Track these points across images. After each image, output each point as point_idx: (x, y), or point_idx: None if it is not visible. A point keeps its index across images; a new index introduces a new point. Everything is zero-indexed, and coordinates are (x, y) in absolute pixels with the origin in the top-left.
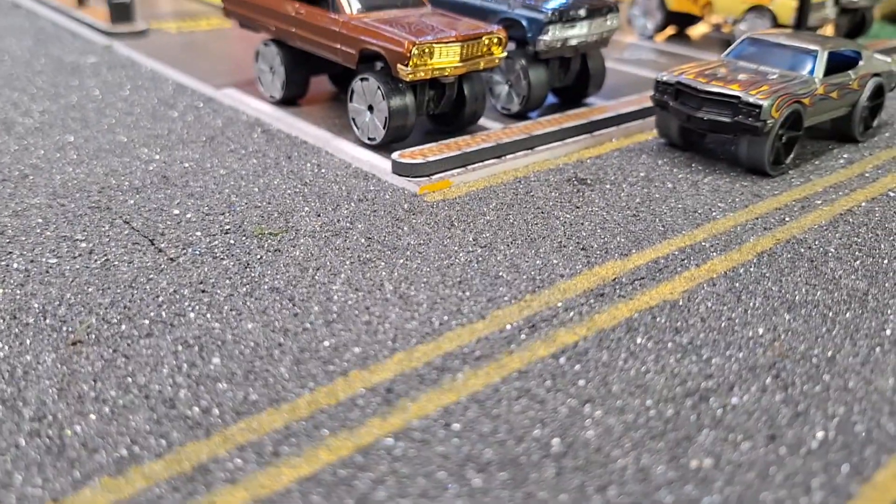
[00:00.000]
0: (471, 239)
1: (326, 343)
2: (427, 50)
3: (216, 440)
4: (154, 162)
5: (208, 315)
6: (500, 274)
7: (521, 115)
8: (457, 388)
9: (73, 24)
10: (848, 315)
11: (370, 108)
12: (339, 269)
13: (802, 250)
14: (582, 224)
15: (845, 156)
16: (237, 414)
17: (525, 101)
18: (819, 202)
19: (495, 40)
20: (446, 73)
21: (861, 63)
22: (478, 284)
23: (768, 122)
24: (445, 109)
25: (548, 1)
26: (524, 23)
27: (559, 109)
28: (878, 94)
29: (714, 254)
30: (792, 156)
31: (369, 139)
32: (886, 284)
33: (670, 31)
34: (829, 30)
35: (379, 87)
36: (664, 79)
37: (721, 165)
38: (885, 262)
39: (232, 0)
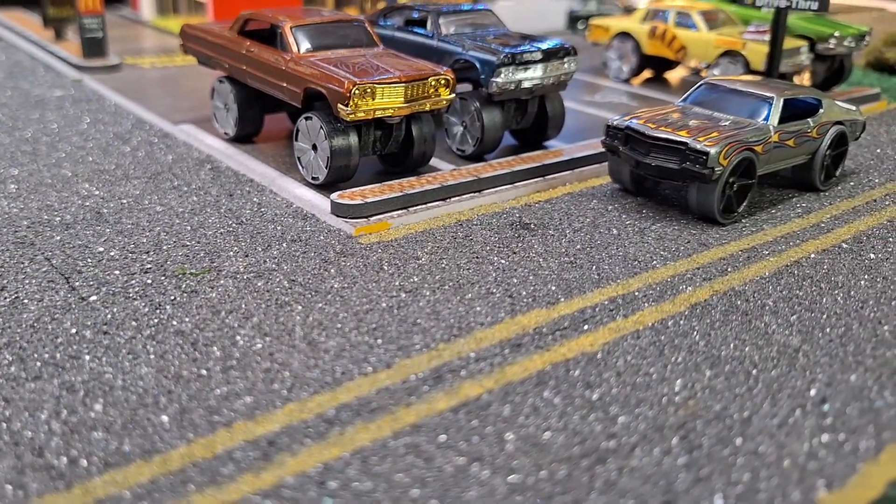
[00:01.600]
0: (397, 283)
1: (218, 391)
2: (368, 90)
3: (76, 493)
4: (92, 197)
5: (104, 359)
6: (419, 321)
7: (476, 157)
8: (343, 442)
9: (48, 58)
10: (774, 373)
11: (314, 147)
12: (252, 313)
13: (739, 303)
14: (515, 270)
15: (804, 205)
16: (105, 465)
17: (479, 143)
18: (766, 253)
19: (442, 81)
20: (390, 114)
21: (821, 111)
22: (393, 332)
23: (716, 169)
24: (394, 150)
25: (505, 43)
26: (477, 65)
27: (517, 151)
28: (841, 142)
29: (645, 304)
30: (745, 204)
31: (313, 178)
32: (821, 341)
33: (647, 74)
34: (805, 77)
35: (321, 127)
36: (614, 123)
37: (673, 212)
38: (824, 317)
39: (188, 37)
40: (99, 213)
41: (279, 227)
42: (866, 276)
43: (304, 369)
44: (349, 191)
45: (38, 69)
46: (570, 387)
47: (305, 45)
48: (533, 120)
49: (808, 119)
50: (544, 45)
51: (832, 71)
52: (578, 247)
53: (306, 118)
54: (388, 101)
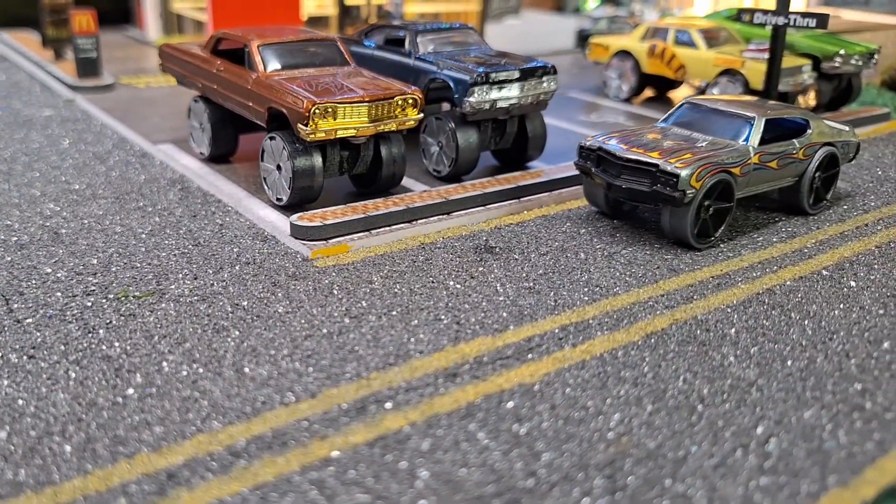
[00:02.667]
0: (344, 308)
1: (130, 420)
2: (329, 110)
3: None
4: (55, 217)
5: (22, 384)
6: (357, 348)
7: (452, 178)
8: (246, 476)
9: (46, 78)
10: (721, 409)
11: (278, 167)
12: (186, 338)
13: (698, 332)
14: (469, 296)
15: (789, 229)
16: None
17: (454, 164)
18: (739, 279)
19: (410, 101)
20: (353, 135)
21: (809, 132)
22: (327, 359)
23: (687, 192)
24: (362, 171)
25: (481, 62)
26: (451, 84)
27: (498, 172)
28: (832, 164)
29: (598, 333)
30: (722, 228)
31: (277, 199)
32: (779, 375)
33: (649, 93)
34: (810, 96)
35: (284, 147)
36: (587, 144)
37: (647, 236)
38: (787, 349)
39: (167, 57)
40: (57, 233)
41: (236, 249)
42: (842, 306)
43: (225, 398)
44: (310, 212)
45: (34, 89)
46: (499, 420)
47: (273, 63)
48: (513, 140)
49: (794, 140)
50: (522, 65)
51: (840, 90)
52: (541, 272)
53: (270, 138)
54: (351, 121)
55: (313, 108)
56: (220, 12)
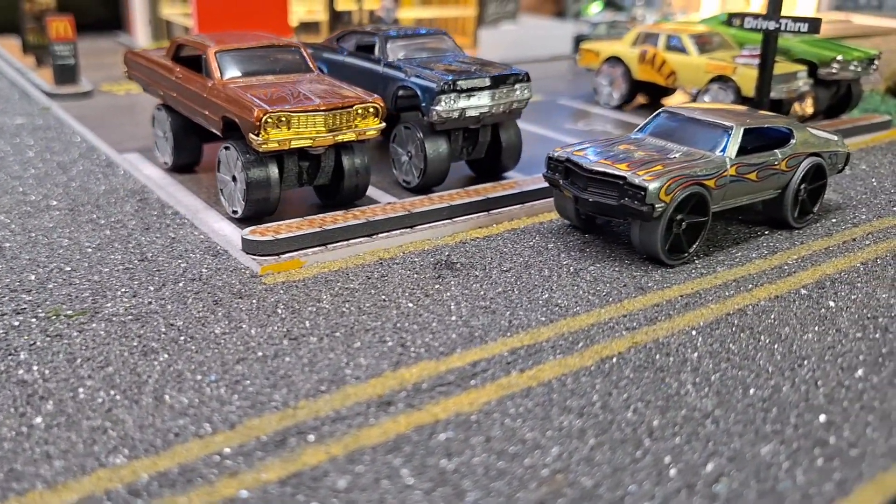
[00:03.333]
0: (285, 330)
1: (31, 452)
2: (283, 119)
3: None
4: (2, 230)
5: None
6: (290, 373)
7: (423, 189)
8: None
9: (27, 85)
10: (670, 443)
11: (234, 178)
12: (110, 361)
13: (657, 357)
14: (420, 316)
15: (771, 244)
16: None
17: (423, 175)
18: (710, 298)
19: (371, 110)
20: (311, 145)
21: (793, 141)
22: (256, 385)
23: (656, 206)
24: (324, 182)
25: (451, 70)
26: (418, 92)
27: (474, 183)
28: (818, 175)
29: (550, 357)
30: (697, 243)
31: (233, 212)
32: (739, 405)
33: (641, 100)
34: (807, 104)
35: (239, 157)
36: (555, 155)
37: (619, 252)
38: (752, 376)
39: (130, 63)
40: (1, 247)
41: (183, 265)
42: (817, 328)
43: (137, 429)
44: (263, 226)
45: (13, 96)
46: (427, 454)
47: (230, 71)
48: (486, 150)
49: (776, 150)
50: (494, 72)
51: (839, 97)
52: (500, 289)
53: (225, 148)
54: (307, 130)
55: (265, 118)
56: (206, 18)
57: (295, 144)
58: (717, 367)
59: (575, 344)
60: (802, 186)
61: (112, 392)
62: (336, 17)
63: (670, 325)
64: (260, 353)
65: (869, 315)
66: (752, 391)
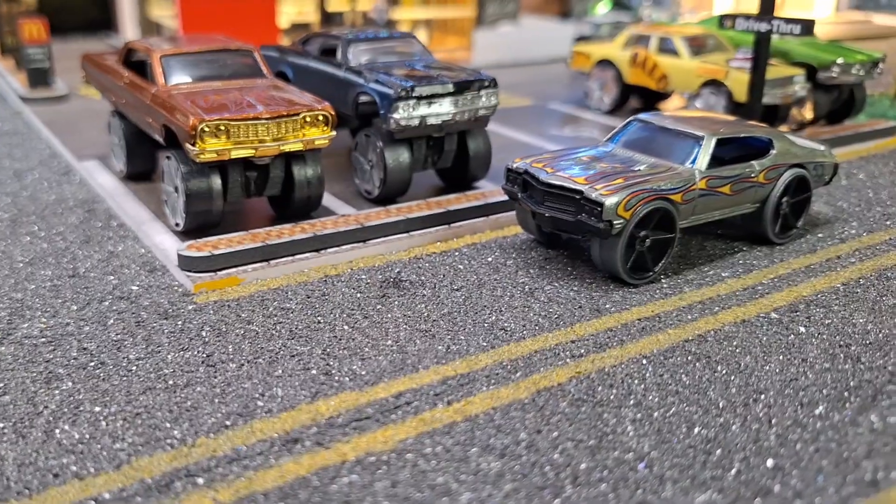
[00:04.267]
0: (204, 355)
1: None
2: (222, 128)
3: None
4: None
5: None
6: (197, 405)
7: (385, 200)
8: None
9: (6, 88)
10: (593, 491)
11: (176, 189)
12: (9, 389)
13: (600, 389)
14: (353, 340)
15: (748, 262)
16: None
17: (383, 185)
18: (671, 322)
19: (320, 118)
20: (253, 155)
21: (773, 152)
22: (157, 419)
23: (615, 222)
24: (274, 193)
25: (412, 75)
26: (377, 98)
27: (443, 193)
28: (802, 188)
29: (483, 387)
30: (663, 262)
31: (176, 224)
32: (678, 447)
33: (635, 105)
34: (806, 109)
35: (179, 167)
36: (514, 166)
37: (582, 269)
38: (699, 413)
39: (87, 67)
40: None
41: (115, 281)
42: (781, 357)
43: (15, 468)
44: (202, 241)
45: None
46: (324, 502)
47: (176, 76)
48: (453, 159)
49: (754, 162)
50: (457, 78)
51: (841, 102)
52: (445, 311)
53: (167, 157)
54: (248, 139)
55: (201, 126)
56: (190, 20)
57: (235, 154)
58: (663, 402)
59: (513, 373)
60: (784, 200)
61: (1, 425)
62: (328, 19)
63: (620, 353)
64: (171, 382)
65: (841, 343)
66: (696, 430)
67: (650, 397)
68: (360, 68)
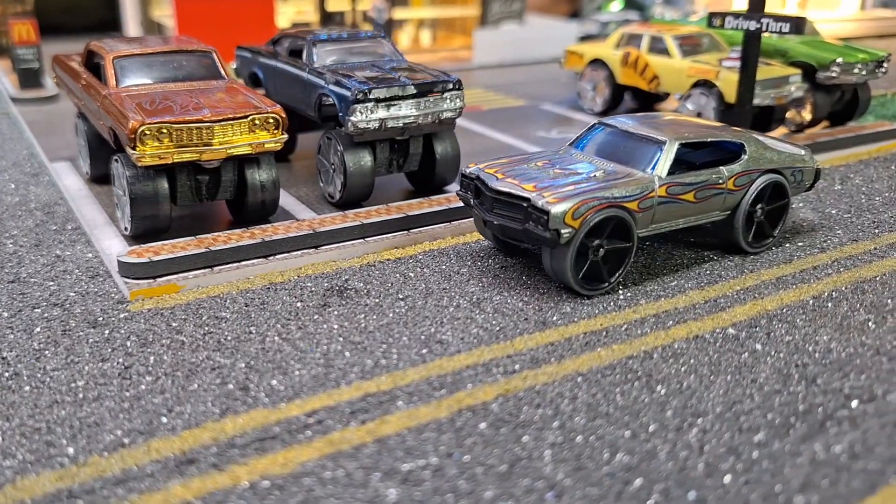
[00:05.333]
0: (123, 367)
1: None
2: (165, 131)
3: None
4: None
5: None
6: (100, 421)
7: (349, 205)
8: None
9: (1, 89)
10: None
11: (125, 192)
12: None
13: (525, 409)
14: (281, 352)
15: (716, 272)
16: None
17: (344, 189)
18: (618, 337)
19: (270, 120)
20: (198, 158)
21: (744, 157)
22: (55, 435)
23: (562, 231)
24: (227, 197)
25: (375, 78)
26: (335, 101)
27: (413, 197)
28: (778, 194)
29: (403, 405)
30: (621, 272)
31: (125, 229)
32: (595, 474)
33: (632, 105)
34: (805, 110)
35: (125, 171)
36: (468, 171)
37: (538, 279)
38: (626, 437)
39: (55, 68)
40: None
41: (54, 287)
42: (729, 377)
43: None
44: (144, 246)
45: None
46: None
47: (128, 78)
48: (419, 162)
49: (722, 168)
50: (420, 80)
51: (844, 103)
52: (384, 322)
53: (115, 161)
54: (193, 143)
55: (141, 129)
56: (186, 20)
57: (179, 158)
58: (589, 425)
59: (438, 390)
60: (759, 207)
61: None
62: (328, 18)
63: (556, 370)
64: (80, 395)
65: (798, 362)
66: (618, 456)
67: (577, 419)
68: (323, 70)
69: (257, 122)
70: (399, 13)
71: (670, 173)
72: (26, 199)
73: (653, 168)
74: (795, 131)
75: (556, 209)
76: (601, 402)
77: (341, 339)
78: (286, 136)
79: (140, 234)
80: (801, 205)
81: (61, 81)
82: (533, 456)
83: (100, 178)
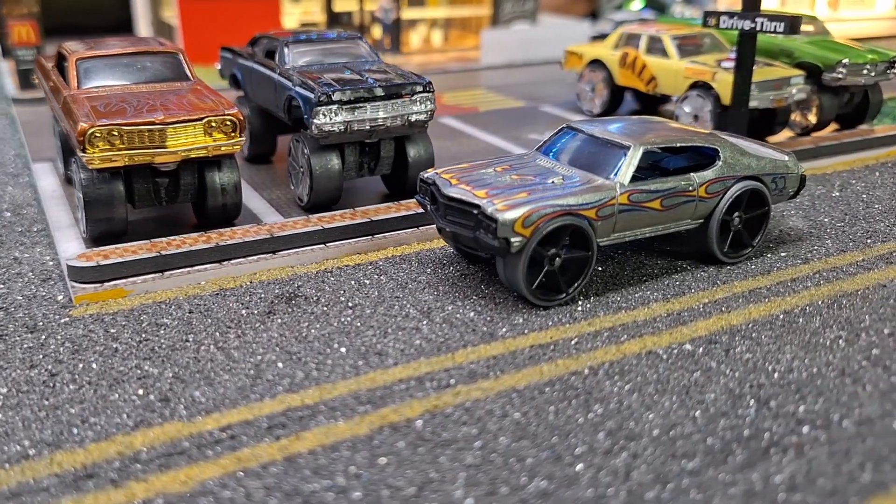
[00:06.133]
0: (50, 374)
1: None
2: (116, 133)
3: None
4: None
5: None
6: (14, 431)
7: (317, 208)
8: None
9: (4, 89)
10: None
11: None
12: None
13: (450, 426)
14: (212, 362)
15: (686, 283)
16: None
17: (311, 193)
18: (565, 351)
19: (228, 123)
20: (150, 161)
21: (718, 163)
22: None
23: (512, 240)
24: (187, 200)
25: (341, 80)
26: (301, 103)
27: (388, 200)
28: (756, 202)
29: (323, 421)
30: (581, 282)
31: (83, 232)
32: (507, 500)
33: (634, 107)
34: (811, 113)
35: (80, 173)
36: (425, 176)
37: (496, 289)
38: (549, 461)
39: (35, 69)
40: None
41: (4, 290)
42: (674, 398)
43: None
44: (95, 250)
45: None
46: None
47: (90, 79)
48: (392, 165)
49: (693, 174)
50: (388, 82)
51: (854, 106)
52: (327, 331)
53: (73, 162)
54: (145, 145)
55: (90, 132)
56: (190, 21)
57: (130, 161)
58: (513, 446)
59: (363, 405)
60: (736, 215)
61: None
62: (335, 19)
63: (492, 385)
64: (1, 403)
65: (754, 383)
66: (535, 481)
67: (501, 439)
68: (291, 72)
69: (213, 124)
70: (411, 13)
71: (636, 180)
72: (1, 199)
73: (615, 174)
74: (801, 134)
75: (505, 217)
76: (531, 420)
77: (278, 348)
78: (243, 138)
79: (97, 238)
80: (791, 212)
81: (40, 82)
82: (446, 478)
83: (72, 179)
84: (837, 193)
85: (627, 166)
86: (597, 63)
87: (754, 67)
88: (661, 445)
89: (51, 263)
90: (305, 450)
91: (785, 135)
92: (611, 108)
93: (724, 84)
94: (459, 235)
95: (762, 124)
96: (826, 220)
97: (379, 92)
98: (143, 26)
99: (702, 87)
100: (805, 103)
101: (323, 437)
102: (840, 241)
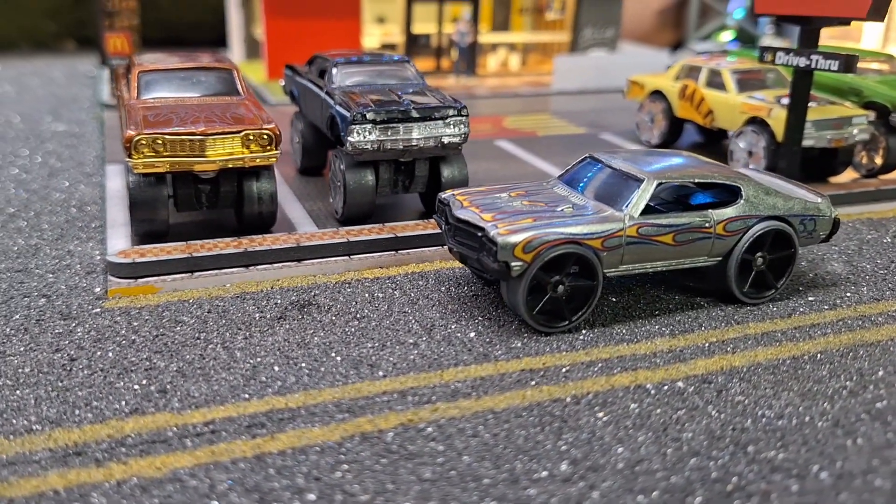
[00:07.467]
0: (70, 358)
1: None
2: (160, 142)
3: None
4: None
5: None
6: (25, 406)
7: (351, 221)
8: None
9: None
10: None
11: None
12: None
13: (418, 442)
14: (215, 360)
15: (699, 321)
16: None
17: (345, 207)
18: (553, 378)
19: (265, 136)
20: (191, 169)
21: (740, 202)
22: None
23: (512, 264)
24: (226, 206)
25: (379, 101)
26: (339, 120)
27: (424, 217)
28: (781, 243)
29: (299, 425)
30: (586, 311)
31: (130, 231)
32: None
33: (697, 140)
34: (878, 155)
35: (128, 176)
36: (442, 197)
37: (504, 312)
38: (504, 484)
39: (115, 78)
40: None
41: (52, 279)
42: (650, 434)
43: None
44: (136, 248)
45: (84, 104)
46: None
47: (149, 91)
48: (425, 185)
49: (710, 211)
50: (424, 105)
51: None
52: (329, 339)
53: (126, 167)
54: (185, 154)
55: (136, 139)
56: (276, 39)
57: (171, 168)
58: (474, 465)
59: (342, 413)
60: (759, 256)
61: None
62: (413, 40)
63: (471, 405)
64: (21, 380)
65: (737, 426)
66: (485, 501)
67: (464, 457)
68: (336, 91)
69: (251, 136)
70: (491, 37)
71: (654, 213)
72: (71, 196)
73: (626, 206)
74: (866, 176)
75: (506, 240)
76: (500, 442)
77: (278, 352)
78: (279, 151)
79: (141, 237)
80: (833, 255)
81: (117, 90)
82: (399, 490)
83: None
84: (889, 240)
85: (639, 199)
86: (657, 94)
87: (815, 105)
88: (621, 479)
89: (98, 258)
90: (276, 450)
91: (849, 175)
92: (669, 139)
93: (779, 121)
94: (466, 257)
95: (824, 164)
96: (868, 266)
97: (414, 114)
98: (235, 42)
99: (758, 122)
100: (872, 144)
101: (296, 439)
102: (877, 288)
